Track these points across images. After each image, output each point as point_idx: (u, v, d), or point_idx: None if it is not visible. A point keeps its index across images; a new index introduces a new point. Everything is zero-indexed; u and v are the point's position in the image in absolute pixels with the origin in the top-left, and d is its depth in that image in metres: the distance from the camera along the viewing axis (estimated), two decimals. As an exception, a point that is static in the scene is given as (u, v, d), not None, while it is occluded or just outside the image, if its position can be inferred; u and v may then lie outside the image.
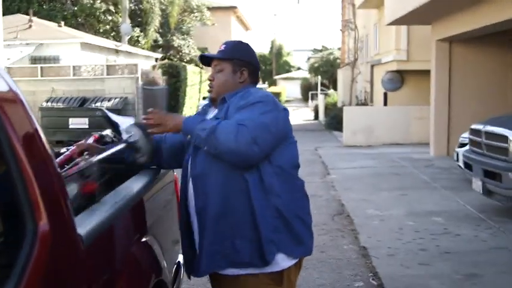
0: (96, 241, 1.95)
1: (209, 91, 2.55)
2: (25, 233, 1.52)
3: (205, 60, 2.61)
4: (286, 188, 2.35)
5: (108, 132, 3.13)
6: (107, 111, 2.90)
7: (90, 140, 3.04)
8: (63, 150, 3.17)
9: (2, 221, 1.57)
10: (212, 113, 2.53)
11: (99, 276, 1.93)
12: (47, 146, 1.71)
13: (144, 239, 2.43)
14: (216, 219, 2.31)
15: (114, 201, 2.28)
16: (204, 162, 2.32)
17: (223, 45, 2.55)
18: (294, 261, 2.38)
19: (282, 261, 2.33)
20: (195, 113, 17.14)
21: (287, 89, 53.16)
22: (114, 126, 2.92)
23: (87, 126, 14.22)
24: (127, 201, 2.35)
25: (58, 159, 2.76)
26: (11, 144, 1.53)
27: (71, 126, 14.97)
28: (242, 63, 2.50)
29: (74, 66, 16.53)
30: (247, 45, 2.62)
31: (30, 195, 1.55)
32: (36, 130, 1.67)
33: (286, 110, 2.43)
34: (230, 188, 2.28)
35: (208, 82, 2.56)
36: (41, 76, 16.33)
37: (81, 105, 15.20)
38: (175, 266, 3.31)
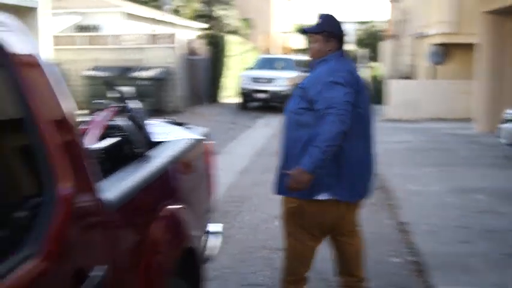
0: (123, 206, 1.91)
1: (309, 57, 3.20)
2: (44, 197, 1.48)
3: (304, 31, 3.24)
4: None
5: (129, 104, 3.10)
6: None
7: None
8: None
9: (24, 184, 1.54)
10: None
11: (124, 241, 1.89)
12: (70, 111, 1.66)
13: (174, 207, 2.38)
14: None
15: (144, 168, 2.24)
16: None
17: (318, 19, 3.14)
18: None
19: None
20: (240, 83, 16.88)
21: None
22: (121, 96, 2.98)
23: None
24: (157, 169, 2.30)
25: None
26: (29, 107, 1.48)
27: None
28: (330, 35, 3.10)
29: (114, 36, 16.61)
30: (333, 17, 3.16)
31: (49, 159, 1.50)
32: (54, 95, 1.62)
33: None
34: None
35: (308, 49, 3.18)
36: (84, 45, 16.46)
37: (124, 74, 15.27)
38: (205, 234, 3.28)
